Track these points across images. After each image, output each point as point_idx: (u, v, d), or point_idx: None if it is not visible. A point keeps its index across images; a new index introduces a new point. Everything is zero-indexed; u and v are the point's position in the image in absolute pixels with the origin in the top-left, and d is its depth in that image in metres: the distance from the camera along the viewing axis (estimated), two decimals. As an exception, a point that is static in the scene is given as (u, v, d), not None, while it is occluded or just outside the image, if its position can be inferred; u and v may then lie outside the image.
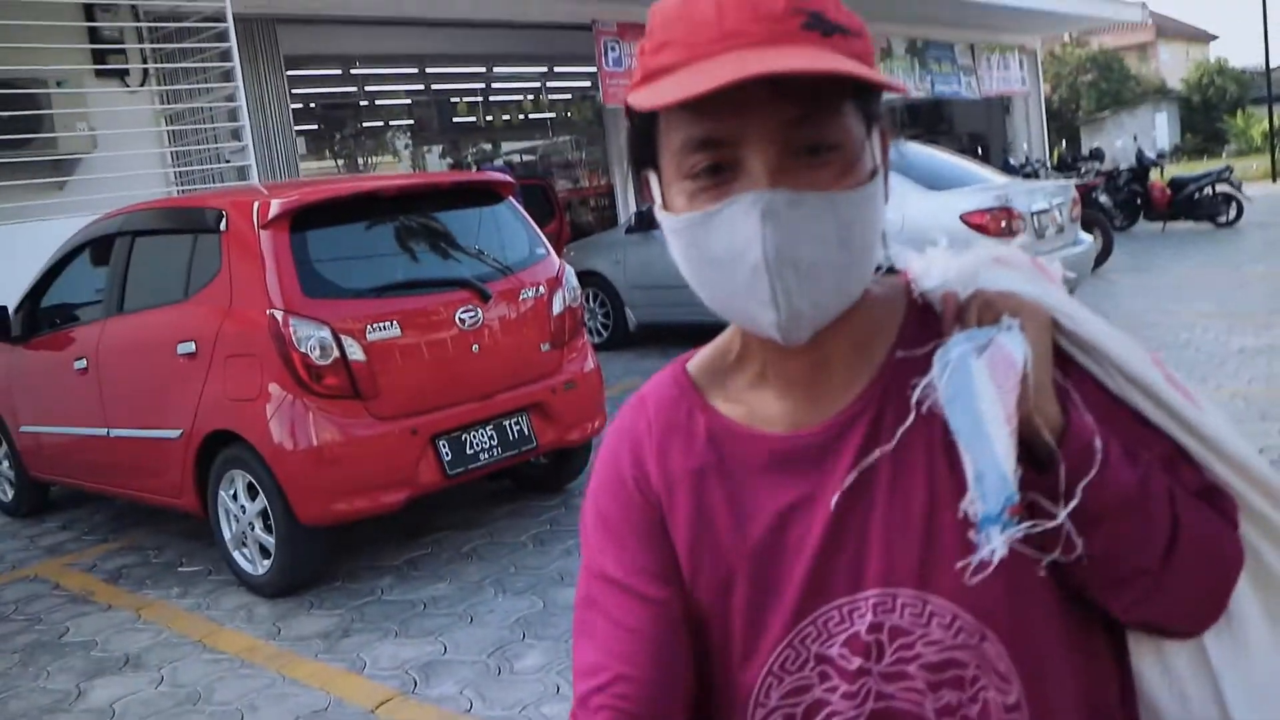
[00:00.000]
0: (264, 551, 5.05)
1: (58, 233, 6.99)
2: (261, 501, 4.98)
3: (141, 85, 10.30)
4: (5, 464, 7.01)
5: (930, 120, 25.17)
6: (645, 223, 10.77)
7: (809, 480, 1.00)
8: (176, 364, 5.26)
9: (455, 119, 21.26)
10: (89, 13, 9.88)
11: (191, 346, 5.19)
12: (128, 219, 6.05)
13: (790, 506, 1.00)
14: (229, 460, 5.10)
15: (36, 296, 6.65)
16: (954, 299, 1.00)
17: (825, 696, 0.96)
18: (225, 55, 9.88)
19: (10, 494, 7.07)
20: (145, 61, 10.24)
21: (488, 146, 23.85)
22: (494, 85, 20.11)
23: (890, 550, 0.96)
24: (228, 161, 10.30)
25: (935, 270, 1.03)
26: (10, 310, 6.71)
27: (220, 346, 5.09)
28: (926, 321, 1.03)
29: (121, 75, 10.24)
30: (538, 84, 20.19)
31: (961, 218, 8.52)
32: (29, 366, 6.60)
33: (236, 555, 5.18)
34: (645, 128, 0.96)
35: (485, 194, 5.94)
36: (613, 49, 14.24)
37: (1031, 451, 0.94)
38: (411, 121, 21.62)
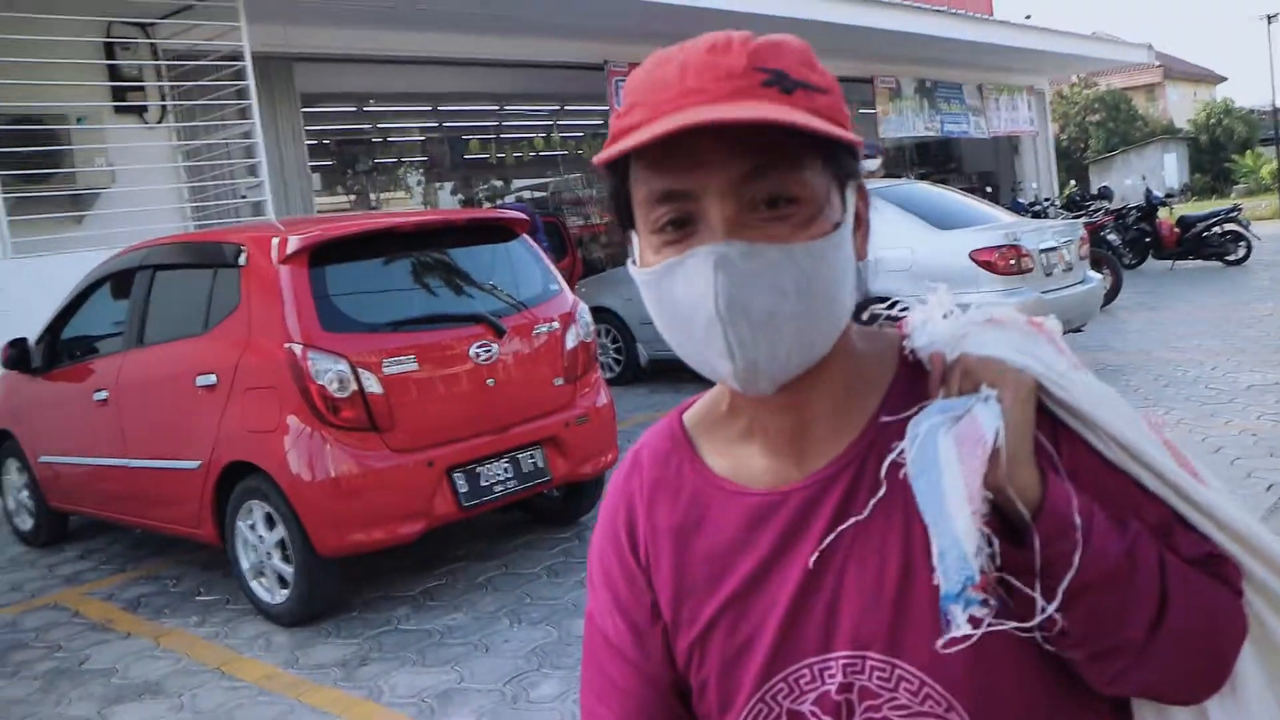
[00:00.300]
0: (281, 581, 5.11)
1: (76, 266, 7.10)
2: (279, 532, 5.04)
3: (160, 122, 10.46)
4: (25, 494, 7.08)
5: (939, 159, 25.36)
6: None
7: (786, 538, 1.01)
8: (196, 396, 5.34)
9: (467, 156, 21.47)
10: (109, 50, 10.06)
11: (211, 379, 5.27)
12: (148, 253, 6.16)
13: (766, 563, 1.02)
14: (247, 491, 5.17)
15: (57, 329, 6.74)
16: (941, 361, 1.00)
17: None
18: (242, 93, 10.03)
19: (30, 523, 7.13)
20: (164, 98, 10.40)
21: (499, 183, 24.02)
22: (505, 123, 20.33)
23: (862, 613, 0.97)
24: (244, 197, 10.44)
25: (928, 327, 1.02)
26: (31, 342, 6.80)
27: (239, 379, 5.17)
28: (916, 381, 1.02)
29: (140, 112, 10.40)
30: (549, 122, 20.39)
31: (971, 256, 8.60)
32: (49, 398, 6.69)
33: (254, 585, 5.24)
34: (619, 187, 0.98)
35: (500, 231, 6.03)
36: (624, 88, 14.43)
37: (1009, 523, 0.93)
38: (425, 158, 21.83)
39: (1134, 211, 16.94)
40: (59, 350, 6.72)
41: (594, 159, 0.94)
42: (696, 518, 1.06)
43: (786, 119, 0.86)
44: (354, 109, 17.42)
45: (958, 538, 0.89)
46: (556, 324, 5.76)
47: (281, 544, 5.06)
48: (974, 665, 0.93)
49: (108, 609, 5.70)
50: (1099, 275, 10.24)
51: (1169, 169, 36.02)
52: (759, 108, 0.88)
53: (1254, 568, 1.00)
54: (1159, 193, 17.95)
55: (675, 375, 10.73)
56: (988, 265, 8.54)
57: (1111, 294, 12.53)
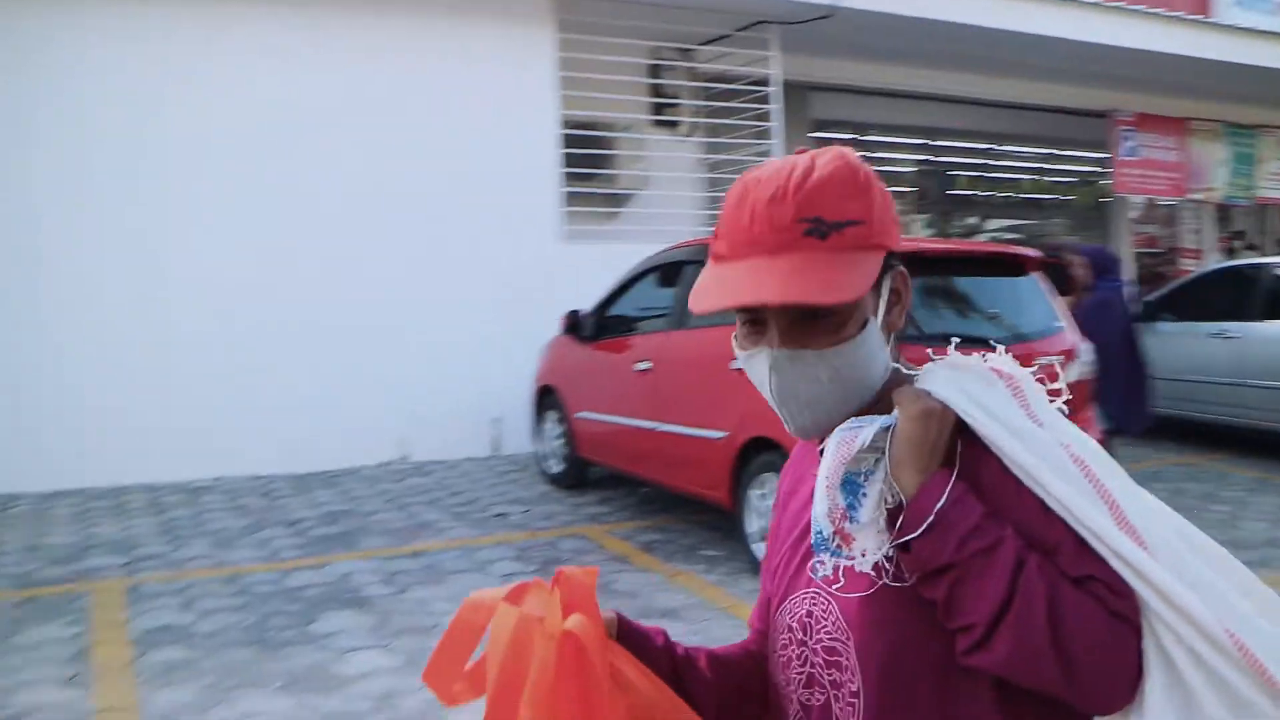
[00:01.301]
0: (782, 547, 5.80)
1: (610, 255, 8.35)
2: (788, 503, 5.72)
3: (688, 136, 11.67)
4: (560, 442, 8.31)
5: None
6: (1153, 312, 10.72)
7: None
8: (729, 376, 6.12)
9: (949, 191, 21.69)
10: (653, 70, 11.38)
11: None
12: (694, 250, 7.10)
13: (805, 527, 1.36)
14: (764, 464, 5.92)
15: (606, 305, 7.89)
16: None
17: (791, 654, 1.37)
18: (764, 116, 11.01)
19: (559, 468, 8.37)
20: (694, 116, 11.61)
21: (973, 220, 24.03)
22: (994, 162, 20.40)
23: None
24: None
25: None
26: (583, 314, 7.98)
27: (768, 367, 5.90)
28: None
29: (672, 125, 11.66)
30: (1038, 165, 20.25)
31: None
32: (593, 363, 7.83)
33: (759, 547, 5.98)
34: None
35: (1012, 265, 6.42)
36: (1128, 138, 14.18)
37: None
38: (913, 189, 22.27)
39: None
40: (606, 323, 7.85)
41: (694, 307, 1.27)
42: (797, 489, 1.46)
43: (789, 298, 1.19)
44: (854, 136, 18.20)
45: (816, 504, 1.22)
46: (1057, 359, 6.04)
47: (787, 515, 5.74)
48: (860, 610, 1.26)
49: (626, 546, 6.68)
50: None
51: None
52: (789, 270, 1.20)
53: (1157, 606, 1.14)
54: None
55: (1176, 433, 9.49)
56: None
57: None
